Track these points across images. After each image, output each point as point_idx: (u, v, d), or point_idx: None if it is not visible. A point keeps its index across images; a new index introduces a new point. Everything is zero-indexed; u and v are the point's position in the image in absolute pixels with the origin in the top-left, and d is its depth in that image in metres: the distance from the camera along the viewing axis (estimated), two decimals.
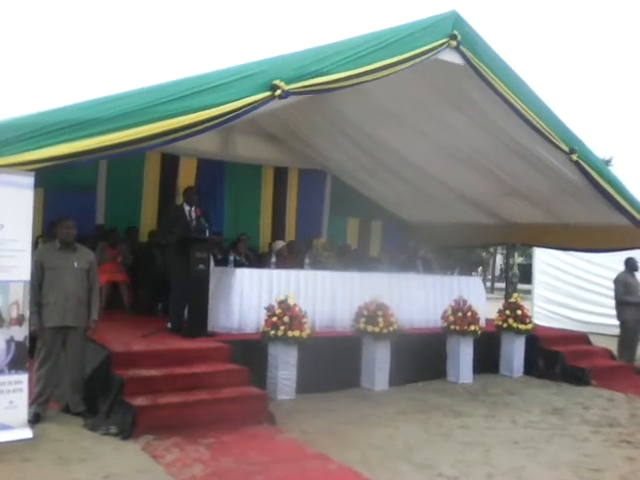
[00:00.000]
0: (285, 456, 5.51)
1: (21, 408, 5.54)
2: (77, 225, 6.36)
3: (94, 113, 5.73)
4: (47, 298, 6.02)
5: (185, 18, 65.83)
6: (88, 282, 6.29)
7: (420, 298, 9.73)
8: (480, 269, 38.64)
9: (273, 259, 9.07)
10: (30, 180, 5.51)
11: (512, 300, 10.05)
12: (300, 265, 9.23)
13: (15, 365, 5.51)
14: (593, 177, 9.26)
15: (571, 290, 15.27)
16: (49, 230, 9.25)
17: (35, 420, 5.85)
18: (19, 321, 5.53)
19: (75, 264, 6.19)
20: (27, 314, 5.59)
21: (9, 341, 5.48)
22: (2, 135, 5.36)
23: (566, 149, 8.88)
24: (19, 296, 5.52)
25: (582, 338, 10.99)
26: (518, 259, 26.61)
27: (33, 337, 5.92)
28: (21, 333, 5.54)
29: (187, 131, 6.24)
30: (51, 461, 5.04)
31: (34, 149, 5.44)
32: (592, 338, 11.10)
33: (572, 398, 8.42)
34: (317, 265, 9.73)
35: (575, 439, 6.54)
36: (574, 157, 8.96)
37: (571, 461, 5.77)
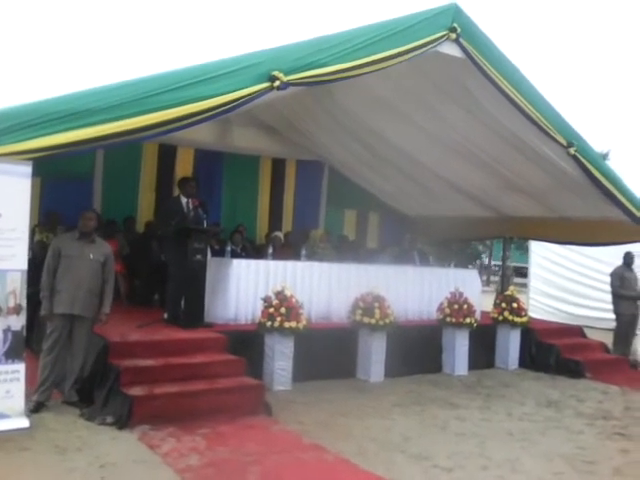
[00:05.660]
0: (281, 447, 5.53)
1: (18, 398, 5.55)
2: (98, 217, 6.54)
3: (91, 103, 5.70)
4: (59, 285, 6.08)
5: (183, 8, 65.51)
6: (103, 275, 6.32)
7: (416, 290, 9.73)
8: (478, 262, 38.60)
9: (270, 250, 9.07)
10: (28, 169, 5.49)
11: (508, 293, 10.08)
12: (297, 256, 9.23)
13: (12, 354, 5.51)
14: (590, 171, 9.26)
15: (567, 284, 15.30)
16: (45, 219, 9.25)
17: (37, 409, 5.88)
18: (16, 310, 5.52)
19: (91, 255, 6.23)
20: (24, 303, 5.57)
21: (6, 331, 5.48)
22: None
23: (564, 143, 8.87)
24: (16, 285, 5.51)
25: (577, 331, 11.05)
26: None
27: (43, 323, 6.10)
28: (18, 322, 5.54)
29: (184, 122, 6.21)
30: (48, 450, 5.05)
31: (31, 138, 5.41)
32: (587, 331, 11.16)
33: (567, 391, 8.47)
34: (314, 256, 9.75)
35: (569, 431, 6.58)
36: (572, 151, 8.95)
37: (565, 453, 5.82)
